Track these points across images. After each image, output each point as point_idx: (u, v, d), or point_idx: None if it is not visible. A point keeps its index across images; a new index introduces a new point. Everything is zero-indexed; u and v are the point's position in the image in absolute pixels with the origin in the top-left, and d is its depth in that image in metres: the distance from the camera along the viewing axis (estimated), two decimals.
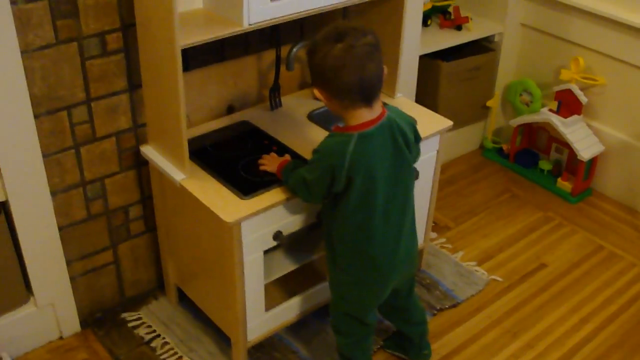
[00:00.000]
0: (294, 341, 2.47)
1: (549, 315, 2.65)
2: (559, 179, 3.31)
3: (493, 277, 2.82)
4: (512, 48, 3.42)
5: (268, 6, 2.02)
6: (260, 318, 2.26)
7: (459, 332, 2.56)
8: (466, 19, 3.22)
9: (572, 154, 3.28)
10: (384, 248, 1.98)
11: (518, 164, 3.46)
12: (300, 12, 2.11)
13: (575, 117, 3.18)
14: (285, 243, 2.18)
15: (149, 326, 2.49)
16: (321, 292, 2.42)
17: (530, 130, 3.44)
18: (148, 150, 2.26)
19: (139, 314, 2.54)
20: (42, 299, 2.34)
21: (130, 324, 2.50)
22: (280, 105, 2.53)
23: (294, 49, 2.38)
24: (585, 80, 3.14)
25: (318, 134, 2.36)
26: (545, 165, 3.39)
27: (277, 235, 2.14)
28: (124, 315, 2.54)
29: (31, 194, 2.15)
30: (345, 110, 1.89)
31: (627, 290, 2.80)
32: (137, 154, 2.34)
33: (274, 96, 2.50)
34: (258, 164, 2.18)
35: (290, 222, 2.16)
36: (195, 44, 1.94)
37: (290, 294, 2.37)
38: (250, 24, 2.01)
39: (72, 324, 2.45)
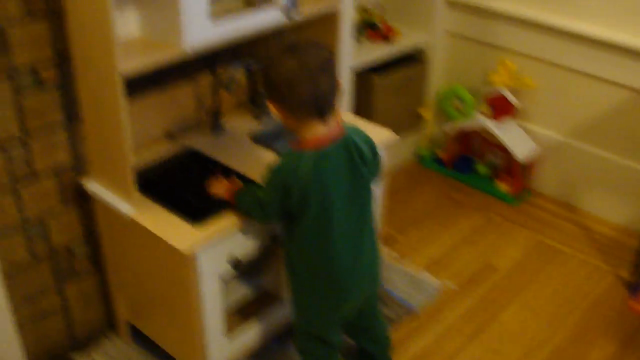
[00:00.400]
0: None
1: (504, 315, 2.69)
2: (497, 181, 3.38)
3: (445, 282, 2.84)
4: (441, 56, 3.49)
5: (208, 29, 1.99)
6: (221, 346, 2.21)
7: (420, 342, 2.56)
8: (393, 31, 3.26)
9: (508, 156, 3.36)
10: (343, 266, 1.97)
11: (456, 171, 3.52)
12: (241, 34, 2.08)
13: (508, 119, 3.26)
14: (242, 269, 2.13)
15: None
16: (281, 313, 2.38)
17: (465, 136, 3.50)
18: (92, 185, 2.18)
19: (92, 357, 2.44)
20: None
21: None
22: (222, 128, 2.49)
23: (233, 70, 2.35)
24: (515, 85, 3.22)
25: (262, 155, 2.34)
26: (482, 169, 3.46)
27: (233, 262, 2.10)
28: (76, 357, 2.43)
29: None
30: (300, 125, 1.87)
31: (572, 282, 2.87)
32: (80, 189, 2.26)
33: (214, 119, 2.47)
34: (207, 190, 2.13)
35: (246, 246, 2.12)
36: (137, 71, 1.89)
37: (249, 318, 2.32)
38: (192, 47, 1.97)
39: None
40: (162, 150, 2.37)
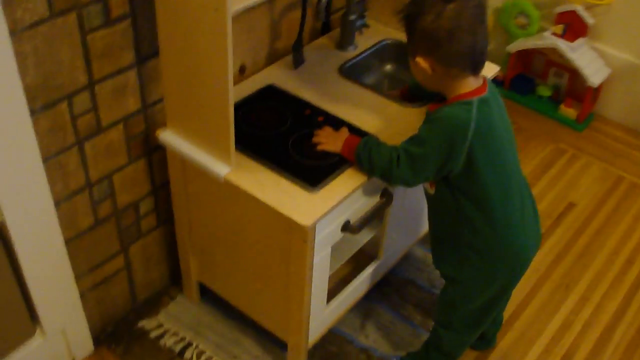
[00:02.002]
0: (346, 329, 2.19)
1: (594, 261, 2.50)
2: (562, 106, 3.11)
3: None
4: None
5: None
6: (322, 315, 1.96)
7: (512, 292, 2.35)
8: None
9: (573, 78, 3.09)
10: (527, 220, 1.74)
11: (513, 91, 3.23)
12: None
13: (580, 40, 2.96)
14: (350, 229, 1.83)
15: (175, 334, 2.13)
16: (375, 273, 2.14)
17: (525, 55, 3.19)
18: (168, 136, 1.83)
19: (158, 320, 2.16)
20: (51, 328, 1.92)
21: (152, 334, 2.13)
22: (304, 60, 2.13)
23: None
24: (590, 0, 2.90)
25: (359, 94, 2.02)
26: (544, 91, 3.18)
27: (346, 226, 1.81)
28: (142, 323, 2.16)
29: (32, 209, 1.69)
30: (451, 81, 1.61)
31: None
32: (147, 140, 1.91)
33: (297, 51, 2.10)
34: (312, 143, 1.81)
35: (357, 208, 1.83)
36: (246, 7, 1.52)
37: (346, 281, 2.07)
38: None
39: (84, 345, 2.05)
40: (238, 88, 2.01)
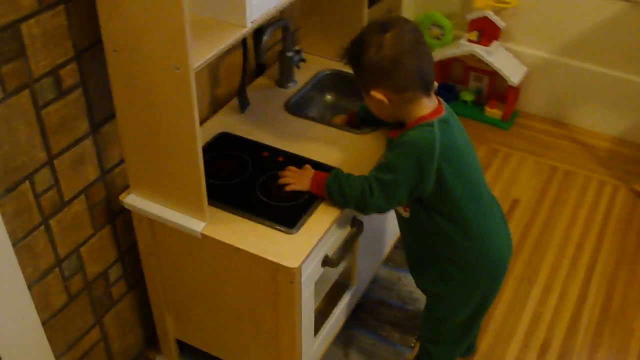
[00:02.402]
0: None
1: (548, 251, 2.61)
2: (487, 108, 3.24)
3: None
4: None
5: None
6: (311, 352, 1.97)
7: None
8: None
9: (492, 80, 3.22)
10: (500, 229, 1.81)
11: None
12: None
13: (495, 43, 3.09)
14: (334, 265, 1.85)
15: None
16: (351, 300, 2.17)
17: (444, 64, 3.31)
18: (133, 199, 1.80)
19: None
20: None
21: None
22: (249, 103, 2.14)
23: (265, 37, 2.00)
24: (498, 5, 3.04)
25: (311, 128, 2.05)
26: (467, 96, 3.30)
27: (326, 260, 1.83)
28: None
29: (8, 298, 1.63)
30: (407, 106, 1.67)
31: (599, 204, 2.83)
32: (109, 206, 1.87)
33: (242, 95, 2.11)
34: (279, 185, 1.82)
35: (333, 241, 1.85)
36: (205, 61, 1.52)
37: (327, 313, 2.08)
38: (251, 22, 1.61)
39: None
40: None
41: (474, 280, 1.80)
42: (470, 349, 2.22)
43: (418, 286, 1.93)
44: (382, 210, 1.73)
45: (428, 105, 1.66)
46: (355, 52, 1.65)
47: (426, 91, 1.65)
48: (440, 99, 1.73)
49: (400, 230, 1.90)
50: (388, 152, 1.71)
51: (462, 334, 1.94)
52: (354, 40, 1.68)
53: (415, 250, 1.87)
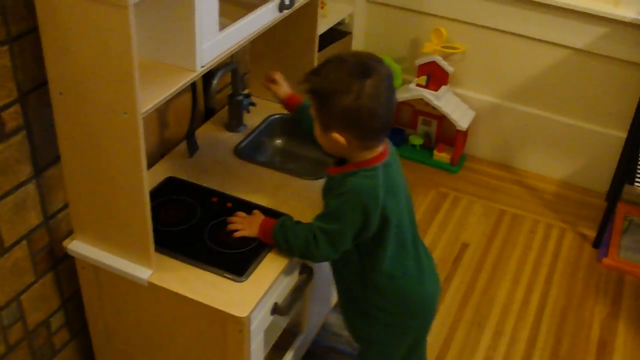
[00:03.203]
0: None
1: (498, 295, 2.62)
2: (435, 152, 3.27)
3: None
4: (363, 27, 3.27)
5: (219, 42, 1.62)
6: None
7: (430, 341, 2.39)
8: (322, 4, 2.98)
9: (441, 124, 3.26)
10: (428, 276, 1.81)
11: None
12: (248, 35, 1.73)
13: (443, 88, 3.14)
14: (284, 314, 1.82)
15: None
16: (299, 347, 2.13)
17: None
18: (77, 246, 1.74)
19: None
20: None
21: None
22: (197, 147, 2.12)
23: (215, 81, 1.98)
24: (446, 50, 3.09)
25: (259, 174, 2.04)
26: (415, 140, 3.33)
27: (275, 309, 1.80)
28: None
29: None
30: (361, 151, 1.63)
31: (546, 247, 2.86)
32: (52, 252, 1.81)
33: (191, 140, 2.08)
34: (228, 231, 1.79)
35: (282, 288, 1.82)
36: (154, 106, 1.50)
37: (274, 359, 2.05)
38: (202, 66, 1.60)
39: None
40: None
41: (402, 324, 1.80)
42: None
43: (349, 332, 1.92)
44: (330, 258, 1.71)
45: (378, 149, 1.64)
46: (327, 90, 1.54)
47: (384, 138, 1.65)
48: (387, 140, 1.71)
49: (334, 273, 1.88)
50: (331, 200, 1.66)
51: None
52: (324, 72, 1.56)
53: (345, 295, 1.87)
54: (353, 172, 1.63)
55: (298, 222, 1.73)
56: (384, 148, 1.66)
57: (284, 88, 2.00)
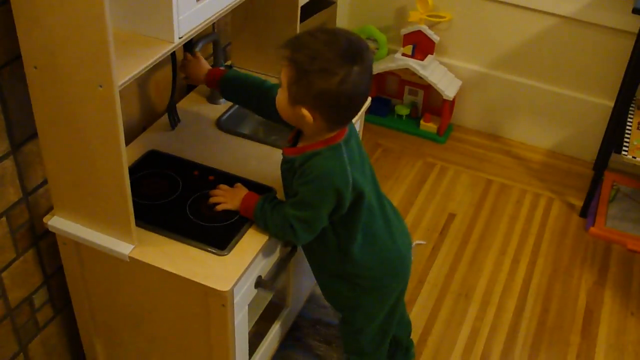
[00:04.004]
0: None
1: (485, 266, 2.62)
2: (422, 122, 3.25)
3: (416, 242, 2.69)
4: None
5: (196, 13, 1.58)
6: None
7: (416, 312, 2.42)
8: None
9: (427, 94, 3.23)
10: (401, 239, 1.81)
11: (373, 114, 3.32)
12: (227, 5, 1.69)
13: (430, 57, 3.11)
14: (268, 287, 1.81)
15: None
16: (285, 321, 2.13)
17: (379, 78, 3.31)
18: (58, 222, 1.72)
19: None
20: None
21: None
22: (179, 120, 2.09)
23: (196, 50, 1.95)
24: (432, 19, 3.06)
25: (242, 146, 2.01)
26: (402, 110, 3.30)
27: (259, 282, 1.78)
28: None
29: None
30: (325, 131, 1.59)
31: (534, 217, 2.85)
32: (33, 228, 1.79)
33: (172, 112, 2.05)
34: (210, 204, 1.77)
35: (266, 262, 1.81)
36: (130, 79, 1.46)
37: (256, 335, 2.04)
38: (180, 37, 1.56)
39: None
40: None
41: (382, 286, 1.81)
42: (409, 351, 2.18)
43: (330, 303, 1.93)
44: (309, 240, 1.70)
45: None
46: (311, 66, 1.46)
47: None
48: None
49: (304, 249, 1.87)
50: (301, 187, 1.60)
51: (381, 337, 1.95)
52: (312, 45, 1.47)
53: (321, 268, 1.86)
54: (316, 152, 1.58)
55: (278, 203, 1.70)
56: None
57: (202, 62, 1.92)
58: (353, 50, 1.48)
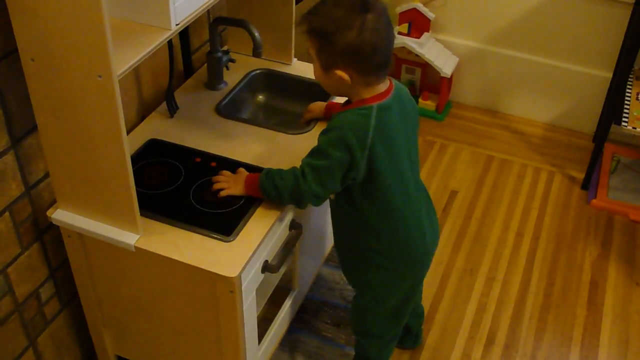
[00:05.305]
0: None
1: (489, 242, 2.62)
2: (420, 99, 3.24)
3: None
4: None
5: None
6: (255, 358, 1.91)
7: (424, 287, 2.41)
8: None
9: (425, 72, 3.22)
10: (424, 220, 1.78)
11: None
12: None
13: (425, 35, 3.09)
14: (274, 271, 1.81)
15: None
16: (292, 304, 2.13)
17: None
18: (61, 215, 1.71)
19: None
20: None
21: None
22: (177, 107, 2.08)
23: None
24: None
25: (243, 131, 2.01)
26: None
27: (266, 266, 1.78)
28: None
29: None
30: (362, 87, 1.61)
31: (535, 191, 2.85)
32: (36, 222, 1.78)
33: (170, 100, 2.04)
34: (213, 191, 1.76)
35: (272, 245, 1.80)
36: (129, 68, 1.45)
37: (264, 320, 2.04)
38: (177, 24, 1.55)
39: None
40: None
41: (399, 270, 1.79)
42: (418, 338, 2.19)
43: (346, 276, 1.92)
44: (318, 197, 1.66)
45: (378, 88, 1.61)
46: (329, 27, 1.53)
47: (385, 75, 1.62)
48: (394, 81, 1.67)
49: (331, 214, 1.86)
50: (320, 136, 1.64)
51: (392, 323, 1.93)
52: (322, 11, 1.55)
53: (341, 238, 1.85)
54: (348, 110, 1.62)
55: (283, 169, 1.70)
56: (386, 89, 1.63)
57: (318, 105, 2.03)
58: (360, 1, 1.52)
